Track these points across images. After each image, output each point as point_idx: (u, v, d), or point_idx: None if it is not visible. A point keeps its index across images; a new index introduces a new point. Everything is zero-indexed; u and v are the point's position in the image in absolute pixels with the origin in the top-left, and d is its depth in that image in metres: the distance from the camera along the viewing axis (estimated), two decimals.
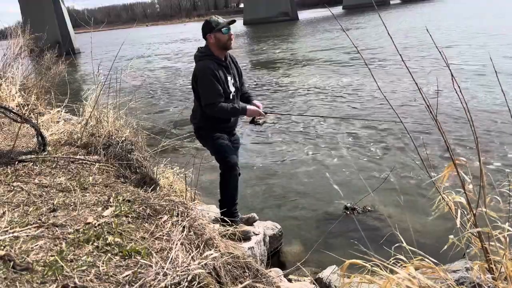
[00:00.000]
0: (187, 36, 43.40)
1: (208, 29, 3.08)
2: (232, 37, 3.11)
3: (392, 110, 2.10)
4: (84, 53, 34.81)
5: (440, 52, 1.76)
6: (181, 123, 8.22)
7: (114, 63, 3.70)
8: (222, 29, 3.04)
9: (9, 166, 2.68)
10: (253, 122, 3.28)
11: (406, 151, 5.85)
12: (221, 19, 3.10)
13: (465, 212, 1.77)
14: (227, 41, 3.08)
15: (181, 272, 1.66)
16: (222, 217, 3.11)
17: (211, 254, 1.89)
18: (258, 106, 3.30)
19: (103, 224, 1.97)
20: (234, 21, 3.14)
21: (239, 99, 3.34)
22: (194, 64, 3.25)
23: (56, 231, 1.88)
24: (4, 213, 2.02)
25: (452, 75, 1.73)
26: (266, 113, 3.31)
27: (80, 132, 3.43)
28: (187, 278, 1.64)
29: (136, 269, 1.65)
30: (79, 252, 1.72)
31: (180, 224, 2.05)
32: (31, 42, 6.90)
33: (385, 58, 14.38)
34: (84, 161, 2.95)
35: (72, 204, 2.19)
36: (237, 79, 3.28)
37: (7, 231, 1.83)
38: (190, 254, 1.87)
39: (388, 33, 1.85)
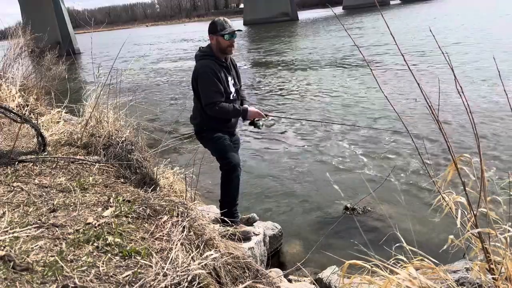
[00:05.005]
0: (187, 36, 43.42)
1: (211, 30, 3.10)
2: (233, 44, 3.13)
3: (393, 110, 2.09)
4: (84, 53, 34.87)
5: (442, 53, 1.75)
6: (181, 123, 8.23)
7: (114, 64, 3.70)
8: (224, 35, 3.06)
9: (9, 166, 2.68)
10: (252, 124, 3.28)
11: (407, 151, 5.85)
12: (228, 24, 3.11)
13: (466, 212, 1.76)
14: (226, 47, 3.10)
15: (181, 272, 1.65)
16: (222, 217, 3.11)
17: (211, 254, 1.89)
18: None
19: (103, 224, 1.97)
20: (239, 30, 3.16)
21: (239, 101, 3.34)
22: (194, 63, 3.25)
23: (56, 231, 1.88)
24: (4, 213, 2.02)
25: (454, 76, 1.73)
26: (266, 115, 3.31)
27: (80, 133, 3.43)
28: (187, 278, 1.63)
29: (136, 269, 1.64)
30: (79, 253, 1.72)
31: (180, 224, 2.04)
32: (32, 42, 6.91)
33: (385, 59, 14.38)
34: (84, 162, 2.95)
35: (72, 204, 2.19)
36: (236, 80, 3.28)
37: (7, 231, 1.83)
38: (190, 255, 1.87)
39: (391, 33, 1.85)
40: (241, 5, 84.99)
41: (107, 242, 1.81)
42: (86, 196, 2.34)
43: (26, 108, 4.51)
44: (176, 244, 1.85)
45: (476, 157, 1.78)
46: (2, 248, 1.68)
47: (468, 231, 1.68)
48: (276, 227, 3.80)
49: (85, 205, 2.20)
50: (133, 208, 2.15)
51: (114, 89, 3.80)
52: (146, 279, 1.57)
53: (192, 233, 2.04)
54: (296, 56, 18.87)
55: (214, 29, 3.08)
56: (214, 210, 3.56)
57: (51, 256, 1.66)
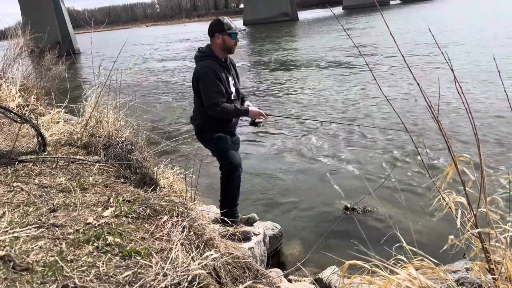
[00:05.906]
0: (187, 36, 43.42)
1: (218, 29, 3.08)
2: (237, 43, 3.16)
3: (392, 110, 2.09)
4: (84, 53, 34.86)
5: (442, 53, 1.75)
6: (181, 123, 8.22)
7: (114, 64, 3.70)
8: (232, 34, 3.08)
9: (9, 167, 2.68)
10: (253, 123, 3.28)
11: (406, 151, 5.85)
12: (233, 23, 3.13)
13: (466, 212, 1.76)
14: (232, 46, 3.13)
15: (181, 272, 1.65)
16: (222, 217, 3.11)
17: (211, 254, 1.89)
18: None
19: (103, 224, 1.97)
20: (244, 30, 3.15)
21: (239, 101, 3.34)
22: (194, 63, 3.25)
23: (56, 231, 1.88)
24: (4, 213, 2.02)
25: (454, 76, 1.73)
26: (267, 114, 3.32)
27: (80, 133, 3.43)
28: (187, 278, 1.63)
29: (136, 269, 1.64)
30: (79, 253, 1.72)
31: (180, 224, 2.04)
32: (31, 42, 6.92)
33: (385, 59, 14.38)
34: (84, 162, 2.95)
35: (72, 204, 2.19)
36: (236, 80, 3.28)
37: (7, 231, 1.83)
38: (190, 255, 1.87)
39: (391, 33, 1.85)
40: (241, 5, 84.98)
41: (107, 242, 1.81)
42: (86, 196, 2.34)
43: (26, 108, 4.51)
44: (176, 244, 1.85)
45: (476, 157, 1.78)
46: (2, 248, 1.68)
47: (468, 231, 1.68)
48: (276, 227, 3.80)
49: (85, 205, 2.20)
50: (133, 208, 2.15)
51: (114, 89, 3.80)
52: (146, 279, 1.57)
53: (192, 233, 2.04)
54: (296, 56, 18.88)
55: (221, 28, 3.08)
56: (214, 210, 3.56)
57: (51, 256, 1.66)
